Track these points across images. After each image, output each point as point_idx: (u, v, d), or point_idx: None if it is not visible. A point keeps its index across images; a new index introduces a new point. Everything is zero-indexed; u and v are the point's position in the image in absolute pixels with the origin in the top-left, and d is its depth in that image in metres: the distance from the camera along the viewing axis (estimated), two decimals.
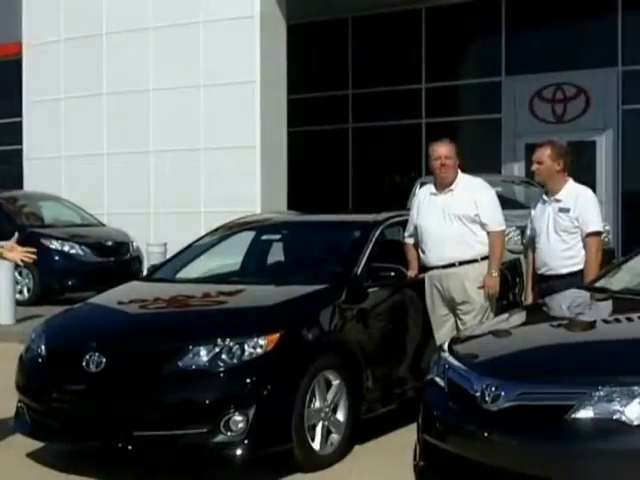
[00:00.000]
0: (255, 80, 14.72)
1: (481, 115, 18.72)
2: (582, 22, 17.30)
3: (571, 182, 6.73)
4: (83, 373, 5.69)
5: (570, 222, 6.54)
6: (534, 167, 6.77)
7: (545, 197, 6.76)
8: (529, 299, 6.82)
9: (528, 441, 4.24)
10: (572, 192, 6.65)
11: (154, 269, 7.69)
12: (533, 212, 6.90)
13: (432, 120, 18.56)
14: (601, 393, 4.11)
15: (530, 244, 6.92)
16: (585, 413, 4.12)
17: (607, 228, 12.16)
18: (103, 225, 15.01)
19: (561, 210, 6.58)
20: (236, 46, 14.87)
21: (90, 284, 12.57)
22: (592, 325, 5.13)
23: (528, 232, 7.02)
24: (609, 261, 8.62)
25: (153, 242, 14.01)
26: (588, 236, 6.52)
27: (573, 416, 4.14)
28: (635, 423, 4.02)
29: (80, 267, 13.45)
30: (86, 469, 5.83)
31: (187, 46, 15.37)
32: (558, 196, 6.64)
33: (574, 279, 6.36)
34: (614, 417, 4.06)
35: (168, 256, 9.60)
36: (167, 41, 15.58)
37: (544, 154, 6.67)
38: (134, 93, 15.90)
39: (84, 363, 5.69)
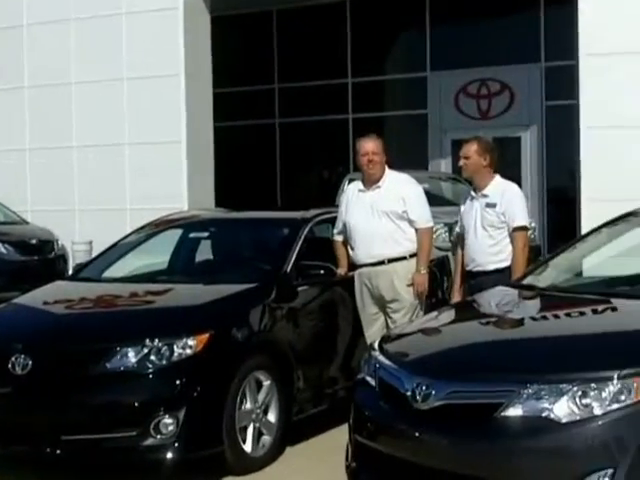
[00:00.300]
0: (179, 73, 14.51)
1: (407, 110, 18.77)
2: (506, 18, 17.48)
3: (498, 178, 6.81)
4: (9, 375, 5.60)
5: (496, 217, 6.61)
6: (461, 162, 6.84)
7: (473, 193, 6.84)
8: (455, 297, 6.85)
9: (458, 440, 4.24)
10: (499, 187, 6.73)
11: (79, 268, 7.58)
12: (462, 208, 6.96)
13: (359, 115, 18.58)
14: (530, 391, 4.13)
15: (459, 241, 6.97)
16: (514, 411, 4.13)
17: (533, 225, 12.31)
18: (27, 223, 14.67)
19: (488, 205, 6.65)
20: (159, 38, 14.64)
21: (14, 284, 12.23)
22: (520, 323, 5.15)
23: (457, 229, 7.08)
24: (536, 258, 8.73)
25: (78, 240, 13.76)
26: (515, 231, 6.59)
27: (503, 414, 4.14)
28: (563, 421, 4.04)
29: (3, 266, 13.10)
30: (12, 474, 5.72)
31: (109, 38, 15.06)
32: (485, 191, 6.71)
33: (501, 276, 6.42)
34: (543, 415, 4.08)
35: (94, 255, 9.47)
36: (89, 33, 15.25)
37: (471, 149, 6.75)
38: (56, 86, 15.56)
39: (10, 365, 5.59)
